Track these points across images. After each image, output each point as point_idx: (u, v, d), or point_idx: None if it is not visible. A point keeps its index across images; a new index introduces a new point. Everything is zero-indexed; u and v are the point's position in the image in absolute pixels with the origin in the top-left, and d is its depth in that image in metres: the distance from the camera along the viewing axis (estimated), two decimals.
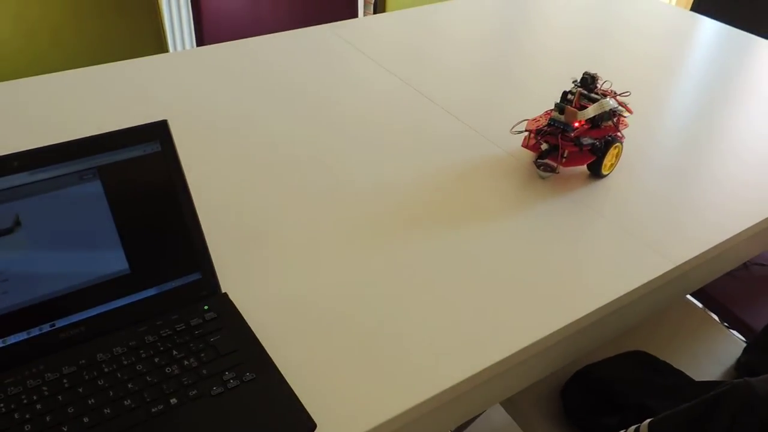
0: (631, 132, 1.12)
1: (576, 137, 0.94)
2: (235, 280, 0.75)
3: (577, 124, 0.94)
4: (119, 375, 0.62)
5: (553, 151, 0.95)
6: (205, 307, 0.69)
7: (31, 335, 0.63)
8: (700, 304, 1.28)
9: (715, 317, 1.25)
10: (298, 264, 0.79)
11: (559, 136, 0.94)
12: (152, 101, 1.08)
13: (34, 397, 0.59)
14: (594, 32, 1.50)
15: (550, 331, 0.73)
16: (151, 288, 0.68)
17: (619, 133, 0.98)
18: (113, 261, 0.65)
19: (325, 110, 1.10)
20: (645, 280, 0.81)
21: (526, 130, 0.98)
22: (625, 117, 0.99)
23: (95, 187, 0.64)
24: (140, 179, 0.66)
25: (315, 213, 0.87)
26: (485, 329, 0.73)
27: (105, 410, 0.59)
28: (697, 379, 0.98)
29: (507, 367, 0.71)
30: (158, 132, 0.67)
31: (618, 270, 0.82)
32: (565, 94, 0.97)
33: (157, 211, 0.67)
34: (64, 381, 0.61)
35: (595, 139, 0.95)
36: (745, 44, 1.50)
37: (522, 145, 0.99)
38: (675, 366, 1.00)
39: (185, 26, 2.36)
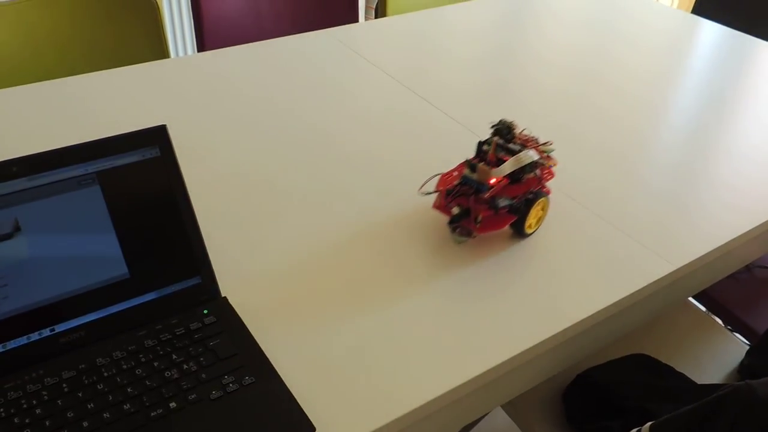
0: (633, 135, 1.12)
1: (491, 198, 0.81)
2: (234, 284, 0.75)
3: (494, 181, 0.80)
4: (119, 379, 0.62)
5: (466, 215, 0.81)
6: (205, 311, 0.69)
7: (31, 340, 0.63)
8: (702, 307, 1.28)
9: (718, 320, 1.25)
10: (297, 268, 0.79)
11: (472, 197, 0.81)
12: (153, 107, 1.09)
13: (34, 402, 0.59)
14: (595, 34, 1.50)
15: (551, 334, 0.73)
16: (151, 292, 0.68)
17: (545, 187, 0.86)
18: (113, 265, 0.66)
19: (325, 115, 1.10)
20: (646, 283, 0.81)
21: (436, 190, 0.85)
22: (550, 167, 0.87)
23: (94, 192, 0.64)
24: (139, 184, 0.66)
25: (315, 218, 0.87)
26: (486, 332, 0.73)
27: (104, 414, 0.59)
28: (699, 382, 0.98)
29: (507, 370, 0.71)
30: (157, 137, 0.67)
31: (619, 273, 0.82)
32: (480, 144, 0.85)
33: (157, 216, 0.67)
34: (64, 385, 0.61)
35: (514, 197, 0.82)
36: (746, 47, 1.50)
37: (433, 206, 0.85)
38: (677, 369, 0.99)
39: (186, 32, 2.37)
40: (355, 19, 1.73)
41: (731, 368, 1.09)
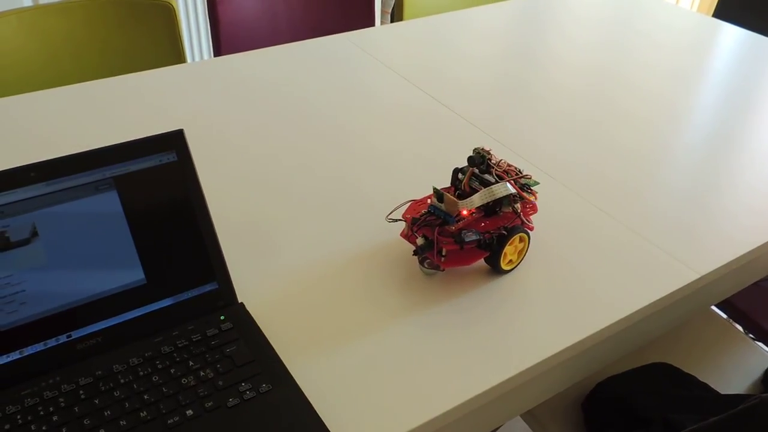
0: (654, 138, 1.10)
1: (457, 231, 0.74)
2: (251, 290, 0.75)
3: (465, 212, 0.76)
4: (135, 386, 0.61)
5: (430, 247, 0.75)
6: (222, 317, 0.69)
7: (48, 346, 0.63)
8: (725, 316, 1.26)
9: (741, 329, 1.22)
10: (315, 274, 0.78)
11: (437, 229, 0.75)
12: (170, 111, 1.09)
13: (51, 409, 0.59)
14: (614, 38, 1.48)
15: (570, 343, 0.72)
16: (168, 298, 0.68)
17: (525, 221, 0.79)
18: (129, 271, 0.65)
19: (341, 120, 1.10)
20: (668, 291, 0.80)
21: (402, 218, 0.80)
22: (532, 200, 0.81)
23: (111, 198, 0.64)
24: (156, 189, 0.66)
25: (333, 223, 0.87)
26: (503, 341, 0.71)
27: (121, 422, 0.58)
28: (722, 393, 0.96)
29: (526, 380, 0.70)
30: (174, 142, 0.67)
31: (641, 280, 0.81)
32: (456, 172, 0.81)
33: (173, 221, 0.67)
34: (81, 392, 0.60)
35: (485, 232, 0.75)
36: None
37: (401, 235, 0.80)
38: (700, 379, 0.98)
39: (203, 36, 2.38)
40: (372, 24, 1.72)
41: (755, 378, 1.07)
